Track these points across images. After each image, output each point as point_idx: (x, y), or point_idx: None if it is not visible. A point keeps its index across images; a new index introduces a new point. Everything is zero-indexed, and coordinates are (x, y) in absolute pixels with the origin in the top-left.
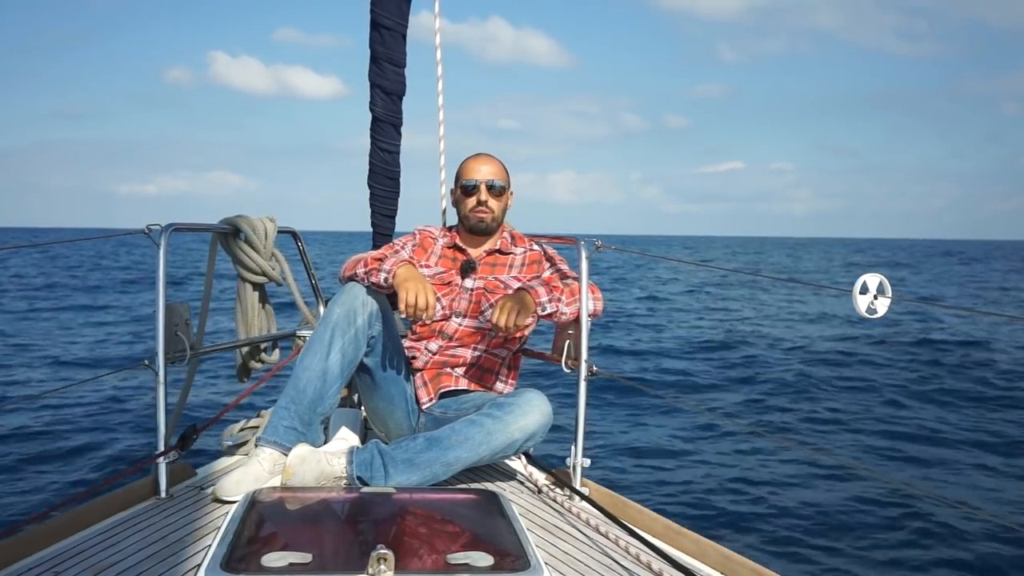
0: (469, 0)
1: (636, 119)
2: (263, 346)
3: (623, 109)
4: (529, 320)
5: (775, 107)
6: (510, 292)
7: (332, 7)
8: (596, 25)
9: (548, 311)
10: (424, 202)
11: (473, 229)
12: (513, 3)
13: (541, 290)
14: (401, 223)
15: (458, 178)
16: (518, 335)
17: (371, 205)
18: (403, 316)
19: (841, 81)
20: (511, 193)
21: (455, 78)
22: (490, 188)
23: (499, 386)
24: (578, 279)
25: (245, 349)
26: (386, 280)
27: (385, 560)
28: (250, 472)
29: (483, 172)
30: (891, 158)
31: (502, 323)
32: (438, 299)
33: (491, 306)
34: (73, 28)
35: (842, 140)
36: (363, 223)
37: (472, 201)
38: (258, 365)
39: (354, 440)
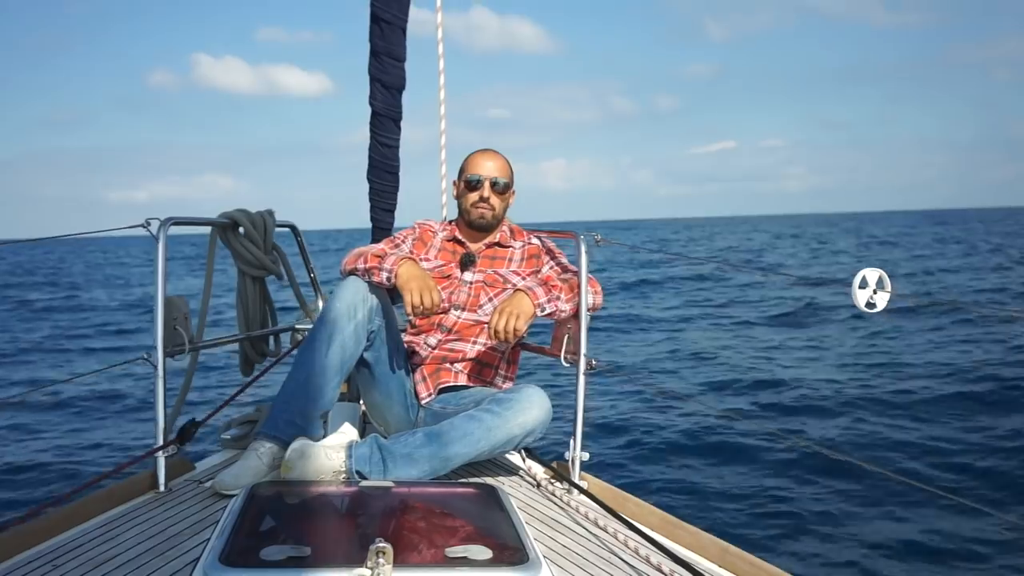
0: None
1: (626, 102)
2: (263, 339)
3: (613, 92)
4: (528, 324)
5: (765, 84)
6: (509, 291)
7: (312, 3)
8: (581, 8)
9: (547, 311)
10: (422, 196)
11: (473, 224)
12: None
13: (539, 291)
14: (400, 218)
15: (462, 171)
16: (520, 340)
17: (370, 200)
18: (408, 316)
19: (829, 55)
20: (513, 192)
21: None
22: (494, 185)
23: (498, 381)
24: (577, 273)
25: (245, 343)
26: (388, 279)
27: (384, 554)
28: (249, 466)
29: (488, 168)
30: (883, 130)
31: (501, 327)
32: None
33: (490, 300)
34: (51, 34)
35: (833, 114)
36: (358, 219)
37: (475, 196)
38: (259, 359)
39: (353, 434)
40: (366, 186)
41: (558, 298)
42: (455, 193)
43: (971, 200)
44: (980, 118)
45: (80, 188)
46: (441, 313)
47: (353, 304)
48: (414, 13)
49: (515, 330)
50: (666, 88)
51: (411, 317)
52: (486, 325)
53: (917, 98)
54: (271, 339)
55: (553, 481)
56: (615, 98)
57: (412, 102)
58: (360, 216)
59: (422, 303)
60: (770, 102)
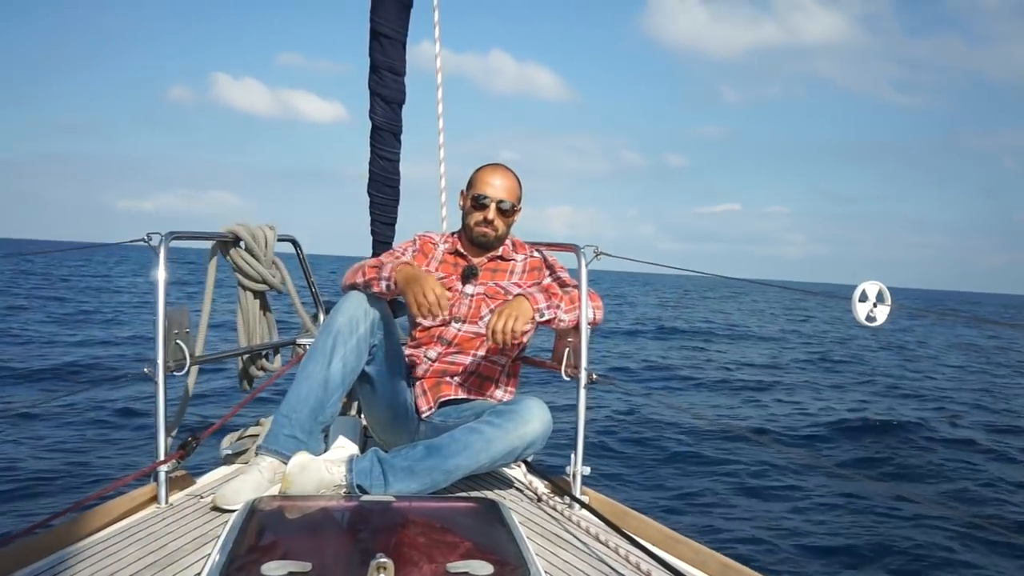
0: (468, 33)
1: (636, 156)
2: (264, 353)
3: (624, 146)
4: (527, 328)
5: (773, 150)
6: (509, 298)
7: (333, 33)
8: (599, 62)
9: (546, 317)
10: (424, 226)
11: (475, 242)
12: (514, 37)
13: (539, 296)
14: (399, 235)
15: (470, 186)
16: (515, 342)
17: (371, 213)
18: (416, 317)
19: (838, 128)
20: (519, 209)
21: (458, 109)
22: (500, 204)
23: (498, 394)
24: (578, 287)
25: (246, 357)
26: (388, 287)
27: (385, 569)
28: (250, 480)
29: (496, 189)
30: (885, 207)
31: (499, 328)
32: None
33: (491, 312)
34: (79, 44)
35: (836, 186)
36: (364, 249)
37: (479, 216)
38: (259, 373)
39: (354, 448)
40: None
41: (558, 306)
42: (460, 204)
43: (967, 284)
44: (982, 204)
45: (88, 194)
46: (441, 326)
47: (355, 318)
48: (425, 49)
49: (513, 332)
50: (676, 147)
51: (420, 320)
52: (485, 325)
53: (921, 179)
54: (270, 353)
55: (554, 496)
56: (625, 152)
57: (417, 140)
58: (367, 246)
59: (427, 299)
60: (776, 169)
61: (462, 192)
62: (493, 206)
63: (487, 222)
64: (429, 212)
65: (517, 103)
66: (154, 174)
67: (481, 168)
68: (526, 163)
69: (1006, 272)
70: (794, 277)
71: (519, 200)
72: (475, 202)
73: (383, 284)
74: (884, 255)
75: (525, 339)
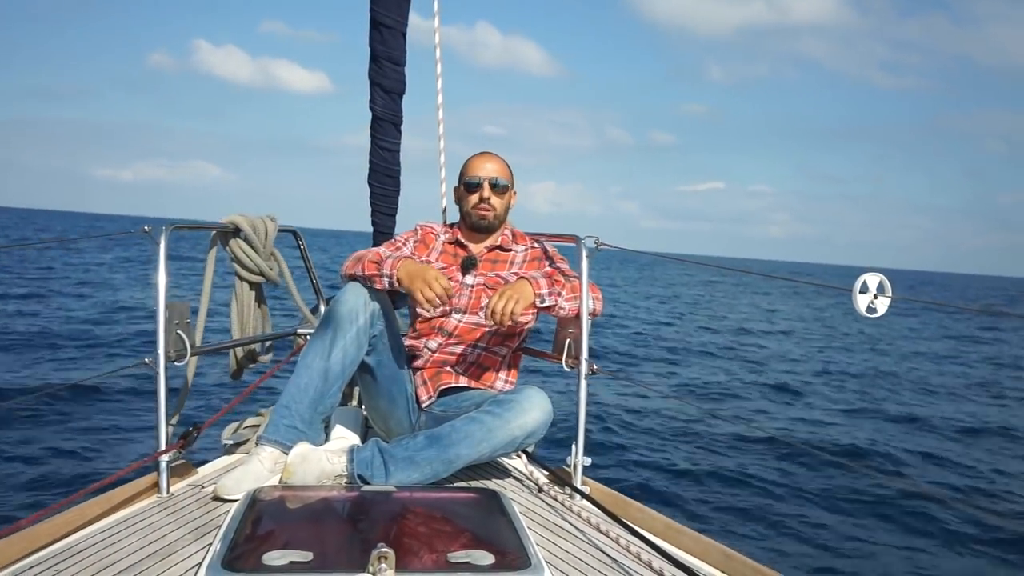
0: (453, 3)
1: (622, 133)
2: (259, 345)
3: (609, 123)
4: (527, 313)
5: (759, 130)
6: (512, 282)
7: (318, 2)
8: (587, 37)
9: (547, 304)
10: (423, 206)
11: (475, 227)
12: (500, 9)
13: (542, 281)
14: (401, 223)
15: (462, 175)
16: (515, 327)
17: (371, 204)
18: (425, 311)
19: (824, 109)
20: (514, 192)
21: (444, 81)
22: (493, 186)
23: (499, 384)
24: (579, 277)
25: (241, 349)
26: (390, 284)
27: (386, 558)
28: (251, 471)
29: (487, 170)
30: (870, 188)
31: (498, 309)
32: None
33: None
34: (57, 4)
35: (822, 167)
36: (345, 222)
37: (475, 198)
38: (253, 365)
39: (355, 439)
40: (355, 189)
41: (559, 293)
42: (456, 197)
43: (951, 265)
44: (967, 187)
45: (67, 161)
46: (442, 317)
47: (355, 309)
48: (415, 20)
49: (512, 313)
50: (662, 124)
51: (429, 311)
52: (484, 307)
53: (907, 161)
54: (265, 344)
55: (555, 486)
56: (611, 128)
57: (409, 111)
58: (348, 219)
59: (434, 292)
60: (761, 148)
61: (455, 187)
62: (486, 184)
63: (483, 201)
64: (429, 191)
65: (502, 77)
66: (134, 143)
67: (469, 157)
68: (511, 138)
69: (987, 254)
70: (778, 257)
71: (511, 181)
72: (468, 187)
73: (384, 281)
74: (868, 236)
75: (526, 327)
